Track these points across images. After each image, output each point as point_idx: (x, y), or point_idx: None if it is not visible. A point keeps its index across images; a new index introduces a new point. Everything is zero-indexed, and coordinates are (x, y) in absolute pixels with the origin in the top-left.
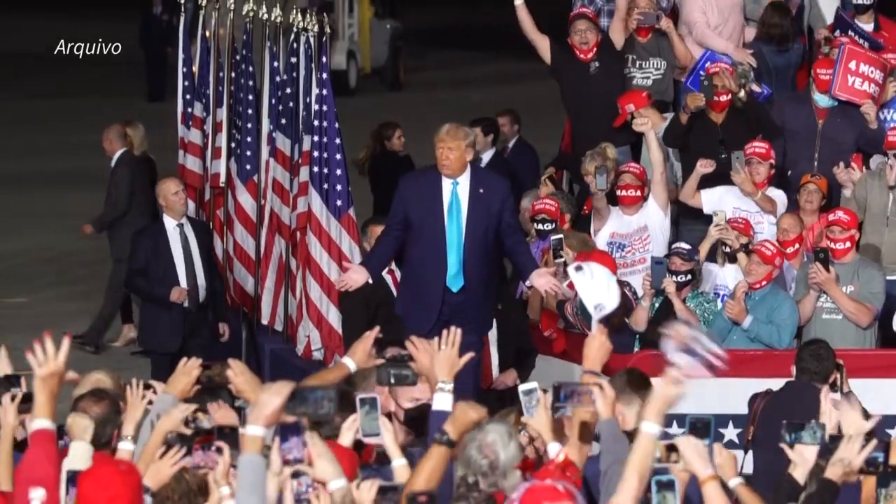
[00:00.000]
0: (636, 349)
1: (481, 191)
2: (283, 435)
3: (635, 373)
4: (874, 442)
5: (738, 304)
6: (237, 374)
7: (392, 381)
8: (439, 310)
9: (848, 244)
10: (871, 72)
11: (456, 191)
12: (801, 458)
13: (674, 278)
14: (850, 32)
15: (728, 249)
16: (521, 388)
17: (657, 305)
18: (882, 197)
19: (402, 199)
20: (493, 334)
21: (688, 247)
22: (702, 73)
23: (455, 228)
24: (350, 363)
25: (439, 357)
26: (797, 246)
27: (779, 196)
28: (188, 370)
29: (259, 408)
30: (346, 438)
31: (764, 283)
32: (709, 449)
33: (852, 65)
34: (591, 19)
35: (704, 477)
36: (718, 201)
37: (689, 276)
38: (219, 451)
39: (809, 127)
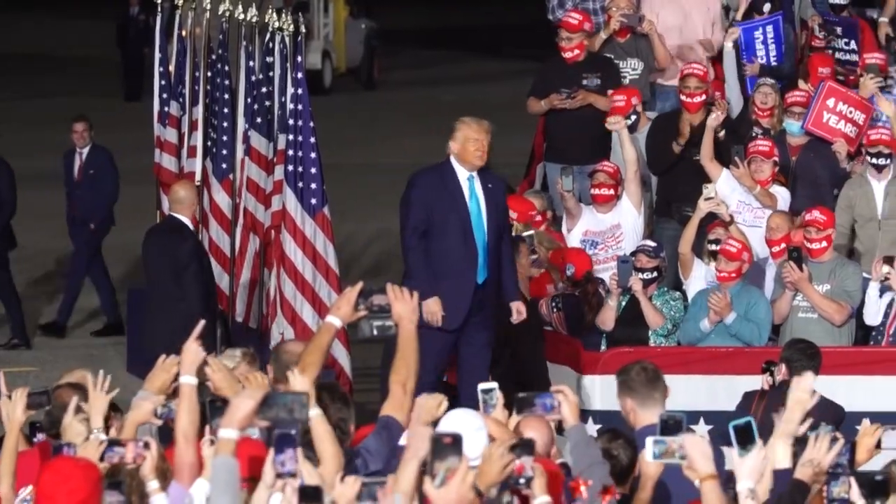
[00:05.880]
0: (603, 348)
1: (490, 185)
2: (278, 447)
3: (652, 369)
4: (841, 441)
5: (725, 298)
6: (215, 370)
7: (375, 332)
8: (470, 302)
9: (825, 244)
10: (850, 112)
11: (473, 185)
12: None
13: (640, 276)
14: (833, 28)
15: (713, 247)
16: (481, 386)
17: (623, 304)
18: (869, 200)
19: (421, 198)
20: None
21: (653, 244)
22: None
23: (478, 221)
24: (336, 321)
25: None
26: (783, 245)
27: (781, 193)
28: (167, 367)
29: (232, 411)
30: None
31: (734, 275)
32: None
33: (830, 102)
34: (572, 30)
35: (705, 475)
36: (731, 188)
37: (654, 274)
38: (146, 446)
39: (782, 163)
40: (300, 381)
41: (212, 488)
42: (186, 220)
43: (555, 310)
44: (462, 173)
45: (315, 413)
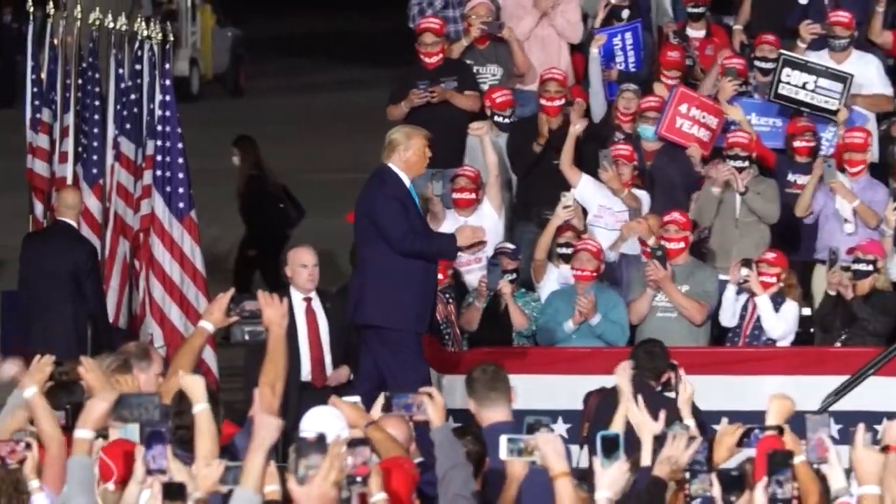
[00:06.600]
0: (465, 348)
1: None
2: (148, 443)
3: (493, 369)
4: (699, 440)
5: (591, 300)
6: (88, 370)
7: (246, 337)
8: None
9: (682, 244)
10: (703, 117)
11: (413, 191)
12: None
13: (504, 278)
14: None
15: (564, 250)
16: (345, 399)
17: (485, 306)
18: (729, 200)
19: (400, 205)
20: (325, 332)
21: (512, 246)
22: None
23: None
24: (208, 326)
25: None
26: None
27: (643, 196)
28: (41, 367)
29: (86, 412)
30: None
31: (595, 274)
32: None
33: (683, 108)
34: (437, 34)
35: (557, 472)
36: (592, 193)
37: (515, 275)
38: (28, 446)
39: (638, 167)
40: (191, 380)
41: (68, 487)
42: (75, 225)
43: (450, 301)
44: (406, 181)
45: (201, 408)
